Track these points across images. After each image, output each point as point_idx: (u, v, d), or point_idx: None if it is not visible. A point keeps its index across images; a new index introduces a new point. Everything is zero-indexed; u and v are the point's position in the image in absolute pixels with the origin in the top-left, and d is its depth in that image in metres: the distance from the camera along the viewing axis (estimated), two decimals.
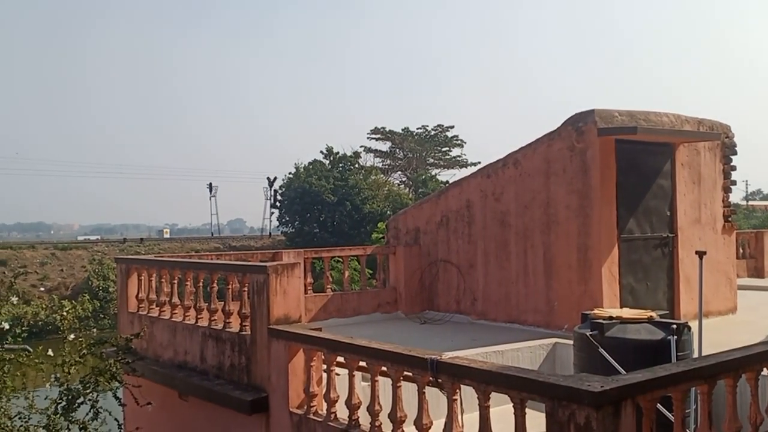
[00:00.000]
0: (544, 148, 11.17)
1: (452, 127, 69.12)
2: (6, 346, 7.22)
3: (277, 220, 55.69)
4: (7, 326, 7.29)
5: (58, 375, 7.37)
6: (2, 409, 6.69)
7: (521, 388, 4.61)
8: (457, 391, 5.28)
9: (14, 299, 8.71)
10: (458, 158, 70.26)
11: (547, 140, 11.09)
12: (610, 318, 7.02)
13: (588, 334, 6.88)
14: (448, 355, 5.49)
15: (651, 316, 7.08)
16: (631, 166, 10.75)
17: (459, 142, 69.69)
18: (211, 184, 69.10)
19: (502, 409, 5.22)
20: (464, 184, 13.02)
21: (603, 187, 10.35)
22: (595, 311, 7.44)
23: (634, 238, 10.82)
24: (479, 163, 64.07)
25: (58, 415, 7.04)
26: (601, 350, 6.64)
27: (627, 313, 7.30)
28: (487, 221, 12.27)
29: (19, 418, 6.83)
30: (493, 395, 4.90)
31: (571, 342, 7.67)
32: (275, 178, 59.79)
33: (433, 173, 62.84)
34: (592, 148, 10.38)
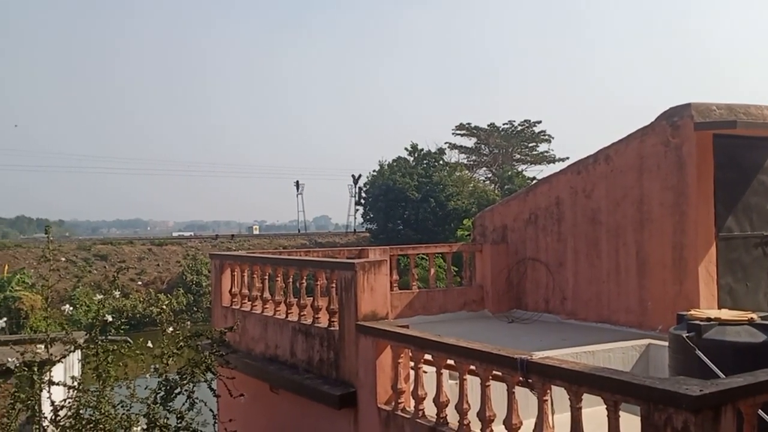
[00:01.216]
0: (637, 144, 10.84)
1: (539, 122, 67.96)
2: (109, 337, 7.56)
3: (362, 216, 56.26)
4: (110, 318, 7.62)
5: (157, 366, 7.63)
6: (106, 398, 7.00)
7: (615, 389, 4.50)
8: (548, 391, 5.20)
9: (117, 293, 9.11)
10: (546, 154, 69.02)
11: (641, 135, 10.75)
12: (708, 319, 6.76)
13: (684, 335, 6.64)
14: (538, 355, 5.41)
15: (752, 317, 6.77)
16: (729, 162, 10.29)
17: (546, 137, 68.44)
18: (298, 182, 70.27)
19: (593, 411, 5.11)
20: (553, 180, 12.79)
21: (700, 184, 9.95)
22: (692, 312, 7.17)
23: (733, 236, 10.35)
24: (568, 158, 62.76)
25: (157, 405, 7.32)
26: (699, 353, 6.39)
27: (725, 314, 7.01)
28: (577, 218, 12.02)
29: (122, 406, 7.14)
30: (585, 396, 4.81)
31: (666, 343, 7.44)
32: (360, 176, 60.28)
33: (519, 169, 61.91)
34: (688, 143, 10.00)
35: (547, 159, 68.68)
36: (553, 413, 5.29)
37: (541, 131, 68.38)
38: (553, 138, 68.50)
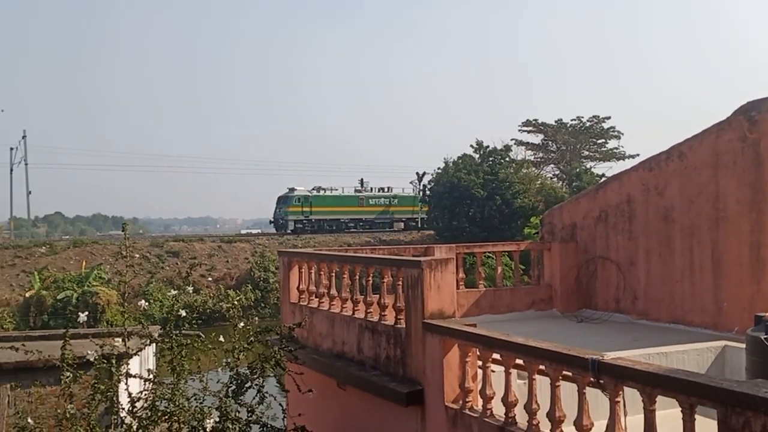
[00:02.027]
0: (712, 140, 10.49)
1: (608, 117, 66.47)
2: (183, 331, 7.76)
3: (426, 214, 56.13)
4: (183, 313, 7.82)
5: (229, 360, 7.79)
6: (180, 391, 7.20)
7: (691, 392, 4.40)
8: (620, 393, 5.11)
9: (190, 289, 9.37)
10: (615, 150, 67.49)
11: (716, 131, 10.41)
12: None
13: (763, 337, 6.42)
14: (609, 356, 5.31)
15: None
16: None
17: (616, 133, 66.91)
18: (362, 179, 70.74)
19: (667, 413, 4.99)
20: (624, 177, 12.50)
21: None
22: None
23: None
24: (638, 155, 61.24)
25: (228, 398, 7.49)
26: None
27: None
28: (649, 216, 11.72)
29: (195, 399, 7.33)
30: (659, 399, 4.71)
31: (743, 345, 7.21)
32: (424, 173, 60.31)
33: (588, 166, 60.75)
34: (767, 138, 9.62)
35: (617, 156, 67.17)
36: (625, 415, 5.18)
37: (611, 127, 66.89)
38: (622, 134, 66.98)
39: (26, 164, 49.23)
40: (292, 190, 56.40)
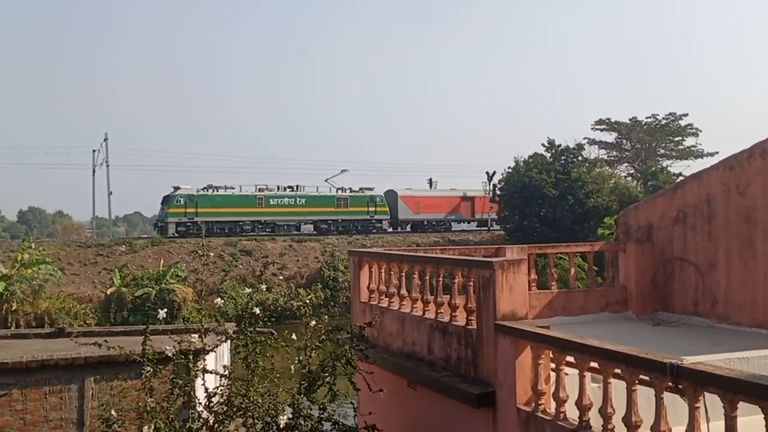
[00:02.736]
0: None
1: (686, 115, 64.61)
2: (257, 329, 7.92)
3: (496, 214, 55.63)
4: (258, 311, 7.98)
5: (301, 358, 7.90)
6: (254, 387, 7.35)
7: None
8: (700, 398, 4.96)
9: (263, 287, 9.54)
10: (693, 148, 65.54)
11: None
12: None
13: None
14: (689, 360, 5.17)
15: None
16: None
17: (693, 131, 64.95)
18: (431, 179, 70.65)
19: (749, 420, 4.82)
20: (703, 176, 12.09)
21: None
22: None
23: None
24: (717, 153, 59.26)
25: (300, 395, 7.60)
26: None
27: None
28: (729, 217, 11.30)
29: (269, 395, 7.47)
30: (741, 405, 4.56)
31: None
32: (494, 173, 59.64)
33: (664, 165, 59.11)
34: None
35: (695, 154, 65.27)
36: (708, 421, 5.03)
37: (688, 125, 64.98)
38: (700, 131, 64.95)
39: (107, 166, 51.18)
40: (176, 188, 51.12)
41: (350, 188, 56.95)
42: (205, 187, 51.70)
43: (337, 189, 56.69)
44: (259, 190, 53.51)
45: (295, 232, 53.22)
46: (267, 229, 53.00)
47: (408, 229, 58.16)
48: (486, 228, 58.76)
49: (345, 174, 60.75)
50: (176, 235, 48.90)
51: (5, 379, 8.48)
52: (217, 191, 51.83)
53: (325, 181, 58.87)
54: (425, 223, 58.48)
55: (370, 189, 57.24)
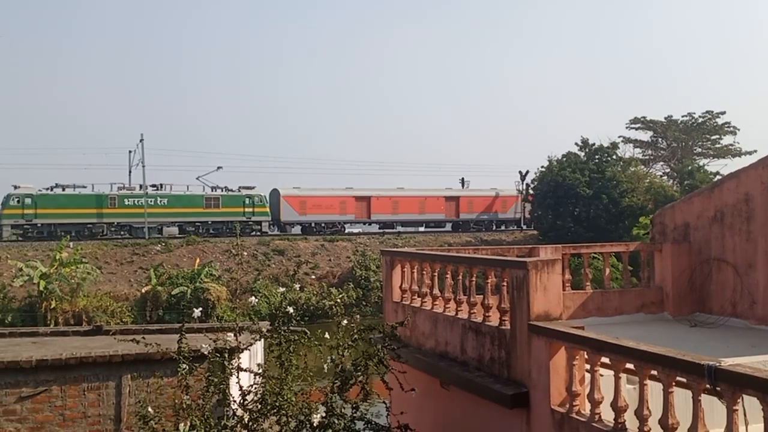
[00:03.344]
0: None
1: (723, 113, 63.51)
2: (291, 328, 7.96)
3: (529, 214, 55.25)
4: (291, 310, 8.03)
5: (334, 357, 7.93)
6: (288, 386, 7.39)
7: None
8: (738, 401, 4.88)
9: (297, 286, 9.59)
10: (730, 147, 64.42)
11: None
12: None
13: None
14: (727, 362, 5.09)
15: None
16: None
17: (731, 129, 63.82)
18: (463, 179, 70.45)
19: None
20: (742, 175, 11.88)
21: None
22: None
23: None
24: (755, 152, 58.16)
25: (333, 394, 7.62)
26: None
27: None
28: None
29: (302, 394, 7.51)
30: None
31: None
32: (527, 172, 59.23)
33: (700, 164, 58.15)
34: None
35: (732, 152, 64.18)
36: (746, 424, 4.95)
37: (725, 123, 63.90)
38: (738, 130, 63.78)
39: (143, 166, 51.68)
40: (16, 187, 47.18)
41: (225, 187, 53.16)
42: (50, 186, 48.12)
43: (212, 188, 52.94)
44: (119, 189, 50.21)
45: (167, 235, 49.00)
46: (122, 233, 49.64)
47: (295, 231, 54.00)
48: (382, 232, 54.97)
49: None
50: (17, 238, 45.94)
51: (45, 375, 8.64)
52: (65, 190, 48.27)
53: (197, 179, 54.80)
54: (313, 225, 53.92)
55: (249, 188, 53.32)
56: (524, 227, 58.98)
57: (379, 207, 56.21)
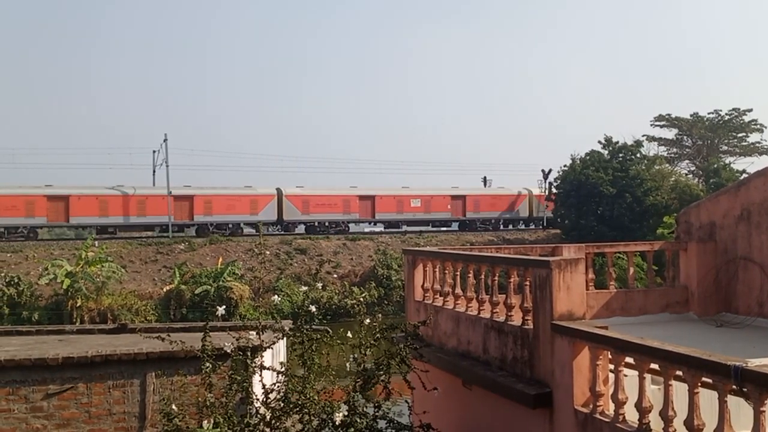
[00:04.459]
0: None
1: (750, 110, 62.60)
2: (313, 326, 7.99)
3: (552, 213, 54.93)
4: (313, 309, 8.05)
5: (356, 356, 7.94)
6: (310, 384, 7.42)
7: None
8: (766, 402, 4.82)
9: (319, 285, 9.62)
10: (757, 145, 63.60)
11: None
12: None
13: None
14: (754, 363, 5.03)
15: None
16: None
17: (758, 126, 62.99)
18: (485, 177, 70.28)
19: None
20: None
21: None
22: None
23: None
24: None
25: (356, 393, 7.64)
26: None
27: None
28: None
29: (324, 392, 7.54)
30: None
31: None
32: (550, 171, 58.85)
33: (726, 161, 57.37)
34: None
35: (759, 150, 63.44)
36: None
37: (752, 120, 63.08)
38: (765, 127, 62.90)
39: (167, 166, 52.02)
40: None
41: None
42: None
43: None
44: None
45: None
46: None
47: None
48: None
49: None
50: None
51: (71, 372, 8.76)
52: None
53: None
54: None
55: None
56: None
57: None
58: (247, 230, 51.22)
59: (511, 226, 59.36)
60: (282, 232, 52.16)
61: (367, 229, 56.91)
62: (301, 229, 53.24)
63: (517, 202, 58.99)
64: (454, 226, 58.43)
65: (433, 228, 57.12)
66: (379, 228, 56.88)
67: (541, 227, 58.75)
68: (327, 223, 53.31)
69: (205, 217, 50.00)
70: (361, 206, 54.69)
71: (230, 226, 50.36)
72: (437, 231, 56.22)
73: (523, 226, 59.51)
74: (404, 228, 54.82)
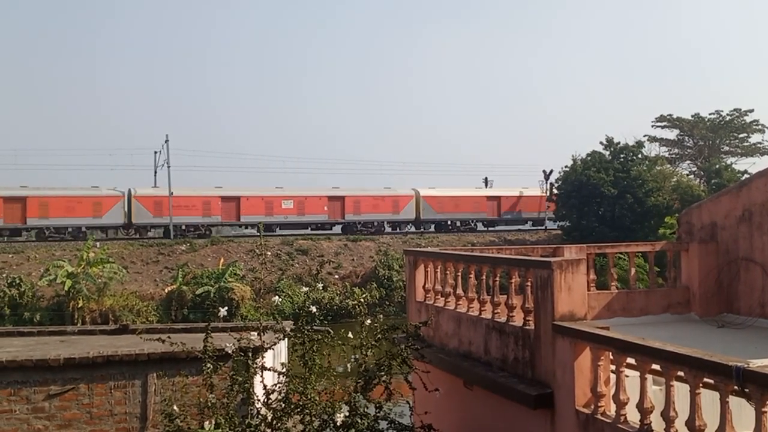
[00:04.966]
0: None
1: (751, 110, 62.54)
2: (314, 327, 7.99)
3: (554, 213, 54.93)
4: (314, 310, 8.05)
5: (357, 356, 7.94)
6: (311, 385, 7.42)
7: None
8: (767, 402, 4.81)
9: (320, 285, 9.61)
10: (758, 145, 63.57)
11: None
12: None
13: None
14: (755, 363, 5.02)
15: None
16: None
17: (759, 127, 62.95)
18: (486, 178, 70.29)
19: None
20: None
21: None
22: None
23: None
24: None
25: (357, 394, 7.64)
26: None
27: None
28: None
29: (325, 393, 7.54)
30: None
31: None
32: (551, 171, 58.80)
33: (728, 162, 57.35)
34: None
35: (761, 151, 63.39)
36: None
37: (754, 121, 63.01)
38: (767, 128, 62.83)
39: (169, 167, 52.06)
40: None
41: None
42: None
43: None
44: None
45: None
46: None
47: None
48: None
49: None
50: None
51: (73, 373, 8.77)
52: None
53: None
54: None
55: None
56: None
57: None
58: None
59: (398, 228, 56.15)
60: (136, 236, 49.42)
61: (233, 233, 54.49)
62: (166, 232, 49.83)
63: (401, 204, 55.62)
64: (336, 229, 54.86)
65: (312, 231, 53.18)
66: (250, 231, 53.47)
67: (431, 230, 56.07)
68: (184, 227, 49.73)
69: (41, 220, 47.07)
70: (223, 208, 51.38)
71: (70, 229, 47.48)
72: (438, 231, 56.14)
73: (412, 229, 56.33)
74: (277, 231, 51.74)
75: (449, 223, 55.78)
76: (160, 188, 51.45)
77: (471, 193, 58.32)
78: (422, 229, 55.83)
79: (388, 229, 54.55)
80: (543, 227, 58.79)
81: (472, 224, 56.64)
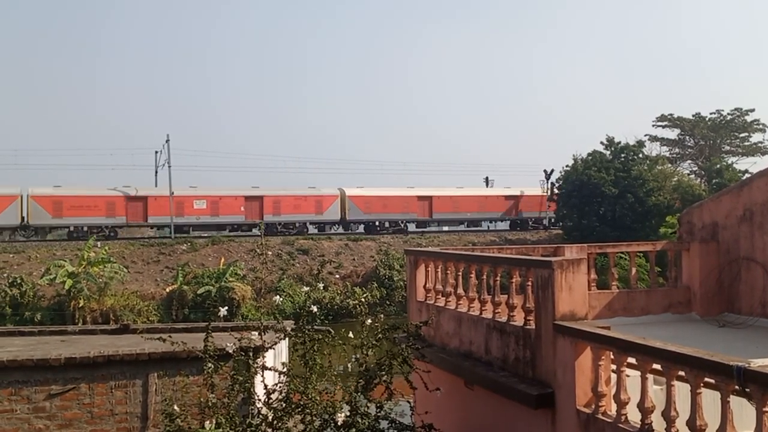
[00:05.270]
0: None
1: (752, 110, 62.52)
2: (315, 327, 7.99)
3: (554, 213, 54.89)
4: (315, 309, 8.05)
5: (358, 356, 7.94)
6: (312, 384, 7.42)
7: None
8: None
9: (321, 285, 9.61)
10: (759, 145, 63.53)
11: None
12: None
13: None
14: (756, 363, 5.02)
15: None
16: None
17: (760, 126, 62.91)
18: (487, 178, 70.26)
19: None
20: None
21: None
22: None
23: None
24: None
25: (358, 393, 7.64)
26: None
27: None
28: None
29: (326, 392, 7.54)
30: None
31: None
32: (552, 171, 58.73)
33: (729, 162, 57.31)
34: None
35: (762, 150, 63.37)
36: None
37: (754, 120, 62.96)
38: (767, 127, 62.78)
39: (169, 167, 52.02)
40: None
41: None
42: None
43: None
44: None
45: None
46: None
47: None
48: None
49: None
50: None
51: (74, 373, 8.76)
52: None
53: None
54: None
55: None
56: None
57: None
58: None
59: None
60: (33, 239, 46.60)
61: (147, 234, 52.55)
62: (69, 234, 47.03)
63: (324, 204, 53.26)
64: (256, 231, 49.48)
65: (231, 233, 50.19)
66: (154, 232, 51.43)
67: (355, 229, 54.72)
68: (86, 228, 46.59)
69: None
70: (129, 208, 48.39)
71: None
72: (438, 231, 56.10)
73: (340, 229, 54.37)
74: (191, 232, 49.65)
75: (377, 224, 53.20)
76: (62, 188, 47.76)
77: (401, 192, 55.18)
78: (420, 229, 55.46)
79: (313, 230, 52.36)
80: (487, 228, 57.28)
81: (402, 225, 53.99)
